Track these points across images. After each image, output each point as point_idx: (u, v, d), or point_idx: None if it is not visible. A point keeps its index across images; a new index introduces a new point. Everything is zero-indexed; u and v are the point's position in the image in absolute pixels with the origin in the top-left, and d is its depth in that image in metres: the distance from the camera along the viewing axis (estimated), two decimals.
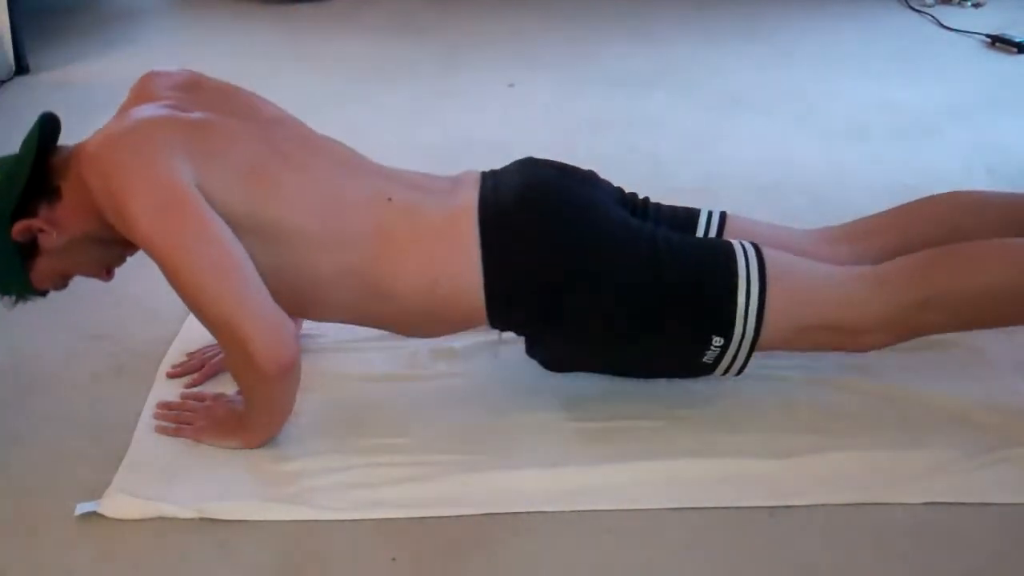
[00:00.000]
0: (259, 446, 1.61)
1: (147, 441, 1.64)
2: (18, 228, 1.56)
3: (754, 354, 1.58)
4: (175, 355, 1.85)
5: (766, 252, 1.59)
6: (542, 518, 1.48)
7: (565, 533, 1.46)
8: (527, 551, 1.44)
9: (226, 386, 1.74)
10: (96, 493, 1.51)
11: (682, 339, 1.58)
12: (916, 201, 1.79)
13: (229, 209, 1.50)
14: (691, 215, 1.76)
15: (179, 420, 1.67)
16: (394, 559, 1.43)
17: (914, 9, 3.68)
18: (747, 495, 1.50)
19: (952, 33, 3.46)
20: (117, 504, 1.50)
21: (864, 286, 1.58)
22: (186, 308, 1.94)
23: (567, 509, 1.49)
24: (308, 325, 1.88)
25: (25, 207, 1.56)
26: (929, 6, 3.68)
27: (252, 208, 1.52)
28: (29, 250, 1.59)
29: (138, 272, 2.13)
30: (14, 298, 1.66)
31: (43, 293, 1.68)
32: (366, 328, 1.90)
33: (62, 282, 1.68)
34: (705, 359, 1.59)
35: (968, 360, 1.77)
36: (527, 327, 1.65)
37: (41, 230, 1.57)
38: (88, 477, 1.56)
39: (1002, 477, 1.51)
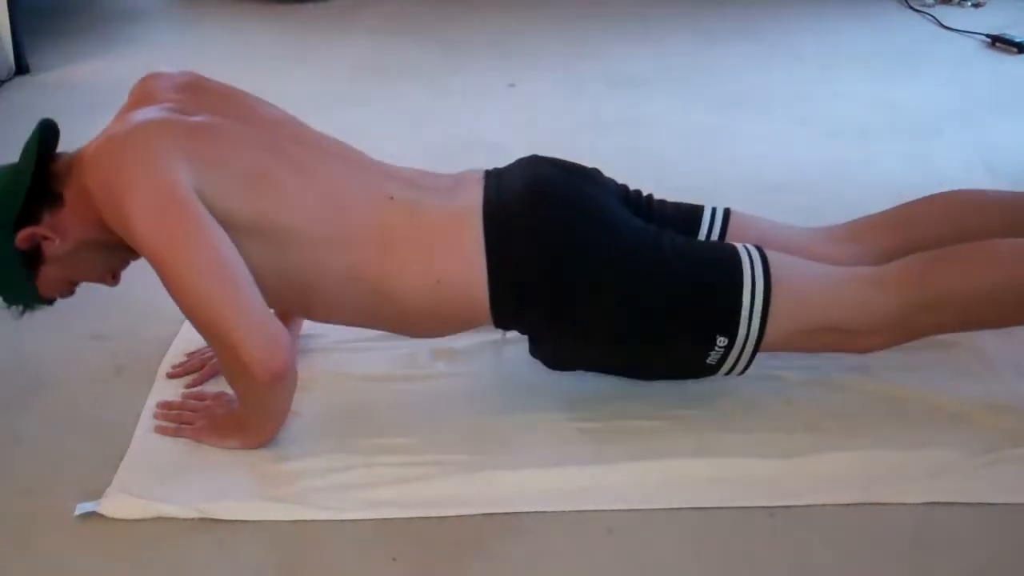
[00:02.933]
0: (258, 447, 1.61)
1: (147, 441, 1.64)
2: (22, 236, 1.55)
3: (758, 355, 1.59)
4: (175, 355, 1.85)
5: (770, 254, 1.59)
6: (542, 518, 1.48)
7: (565, 533, 1.46)
8: (527, 551, 1.44)
9: (226, 386, 1.73)
10: (96, 493, 1.51)
11: (686, 339, 1.58)
12: (918, 200, 1.79)
13: (230, 215, 1.50)
14: (695, 212, 1.76)
15: (179, 420, 1.67)
16: (394, 559, 1.43)
17: (914, 9, 3.68)
18: (747, 495, 1.50)
19: (952, 33, 3.46)
20: (117, 504, 1.50)
21: (865, 288, 1.58)
22: None
23: (567, 509, 1.49)
24: (308, 325, 1.88)
25: (28, 215, 1.55)
26: (929, 6, 3.68)
27: (254, 213, 1.52)
28: (34, 259, 1.58)
29: (138, 273, 2.14)
30: (22, 308, 1.66)
31: (50, 301, 1.67)
32: (366, 328, 1.91)
33: (69, 289, 1.68)
34: (709, 360, 1.59)
35: (968, 360, 1.77)
36: (531, 327, 1.65)
37: (45, 237, 1.56)
38: (88, 477, 1.55)
39: (1002, 477, 1.51)
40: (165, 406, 1.71)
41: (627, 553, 1.43)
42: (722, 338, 1.56)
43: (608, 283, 1.56)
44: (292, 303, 1.63)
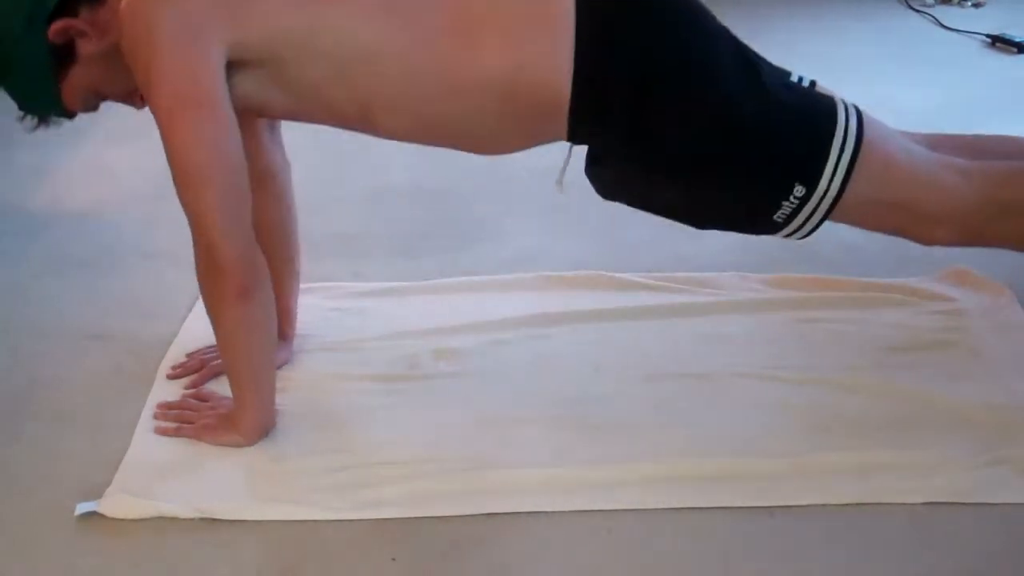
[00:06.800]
0: (257, 440, 1.61)
1: (147, 441, 1.64)
2: (57, 27, 1.48)
3: (825, 221, 1.53)
4: (175, 355, 1.85)
5: (866, 115, 1.54)
6: (542, 518, 1.48)
7: (565, 533, 1.46)
8: (527, 551, 1.44)
9: (226, 386, 1.73)
10: (96, 493, 1.51)
11: (763, 178, 1.51)
12: (992, 136, 1.80)
13: (282, 43, 1.45)
14: (783, 71, 1.68)
15: (179, 420, 1.67)
16: (394, 559, 1.43)
17: (914, 9, 3.68)
18: (747, 495, 1.50)
19: (952, 33, 3.46)
20: (117, 504, 1.50)
21: (953, 174, 1.55)
22: (186, 308, 1.96)
23: (567, 509, 1.49)
24: (305, 325, 1.88)
25: (64, 6, 1.48)
26: (929, 6, 3.68)
27: (312, 24, 1.46)
28: (64, 59, 1.50)
29: (137, 272, 2.14)
30: (36, 119, 1.58)
31: (71, 115, 1.59)
32: (366, 328, 1.91)
33: (94, 101, 1.59)
34: (778, 215, 1.51)
35: (966, 360, 1.77)
36: (606, 140, 1.53)
37: (82, 32, 1.49)
38: (88, 477, 1.55)
39: (1002, 477, 1.51)
40: (165, 406, 1.71)
41: (627, 553, 1.43)
42: (800, 187, 1.48)
43: (700, 91, 1.48)
44: (352, 114, 1.54)
